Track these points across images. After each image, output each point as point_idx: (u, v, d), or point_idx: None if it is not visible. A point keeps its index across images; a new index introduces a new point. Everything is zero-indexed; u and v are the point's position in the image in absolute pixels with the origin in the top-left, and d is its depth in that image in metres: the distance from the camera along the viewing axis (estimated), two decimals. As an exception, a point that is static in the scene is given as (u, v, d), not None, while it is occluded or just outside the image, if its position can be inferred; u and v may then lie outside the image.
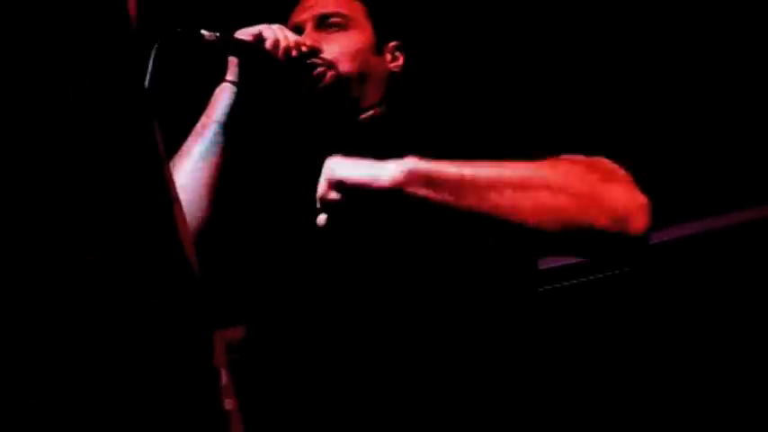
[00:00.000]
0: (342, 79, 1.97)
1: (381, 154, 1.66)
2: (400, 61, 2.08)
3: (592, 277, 2.86)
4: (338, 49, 2.00)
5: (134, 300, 0.93)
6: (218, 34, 1.81)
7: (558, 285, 2.89)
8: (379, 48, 2.08)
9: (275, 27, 1.92)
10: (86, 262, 0.91)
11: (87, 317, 0.92)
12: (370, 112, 2.01)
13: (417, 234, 1.75)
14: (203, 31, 1.79)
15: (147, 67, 1.43)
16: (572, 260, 2.92)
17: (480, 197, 1.53)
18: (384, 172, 1.54)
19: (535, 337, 1.83)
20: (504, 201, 1.53)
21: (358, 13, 2.09)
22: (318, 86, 1.95)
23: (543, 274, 2.83)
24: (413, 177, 1.52)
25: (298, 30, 2.03)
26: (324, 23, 2.05)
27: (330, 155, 1.87)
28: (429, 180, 1.53)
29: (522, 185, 1.55)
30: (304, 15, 2.06)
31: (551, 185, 1.55)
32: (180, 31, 1.73)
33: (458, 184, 1.54)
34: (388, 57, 2.09)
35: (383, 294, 1.71)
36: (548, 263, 2.90)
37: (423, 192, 1.52)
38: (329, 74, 1.96)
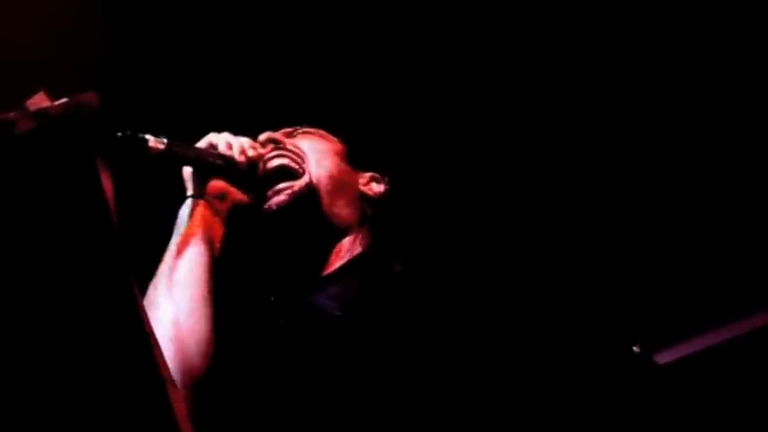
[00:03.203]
0: (311, 188, 1.85)
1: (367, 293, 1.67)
2: (377, 189, 1.98)
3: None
4: (306, 145, 1.93)
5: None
6: (165, 141, 1.67)
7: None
8: (352, 162, 1.99)
9: (224, 134, 1.82)
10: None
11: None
12: (348, 241, 1.90)
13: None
14: (148, 137, 1.65)
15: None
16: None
17: None
18: None
19: None
20: None
21: (328, 134, 2.02)
22: (279, 200, 1.83)
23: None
24: None
25: None
26: (291, 135, 1.98)
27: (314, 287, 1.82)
28: None
29: None
30: (270, 133, 1.98)
31: None
32: (122, 137, 1.62)
33: None
34: (364, 179, 1.99)
35: None
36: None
37: None
38: (292, 188, 1.85)
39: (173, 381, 1.02)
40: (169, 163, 1.72)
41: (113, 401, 0.97)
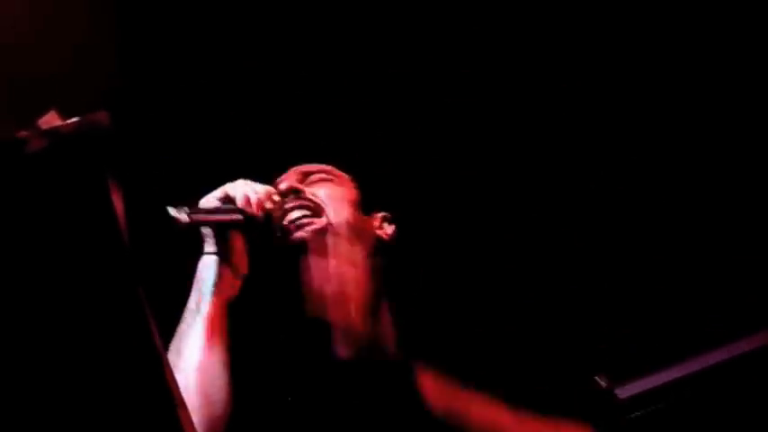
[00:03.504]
0: (330, 228, 1.84)
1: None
2: (389, 231, 1.96)
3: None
4: (324, 194, 1.90)
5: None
6: (186, 210, 1.66)
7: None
8: (366, 209, 1.97)
9: (239, 182, 1.78)
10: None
11: None
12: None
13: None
14: (171, 210, 1.63)
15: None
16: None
17: None
18: None
19: None
20: None
21: (343, 175, 1.99)
22: (294, 236, 1.81)
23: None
24: None
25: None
26: (308, 178, 1.93)
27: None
28: None
29: None
30: (286, 176, 1.95)
31: None
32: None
33: None
34: (377, 222, 1.97)
35: None
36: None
37: None
38: (313, 225, 1.84)
39: (183, 402, 1.00)
40: (192, 230, 1.71)
41: (124, 421, 0.96)
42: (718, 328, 2.71)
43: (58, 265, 0.96)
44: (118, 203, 1.00)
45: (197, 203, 1.76)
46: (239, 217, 1.73)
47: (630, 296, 2.74)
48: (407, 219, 2.03)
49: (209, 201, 1.77)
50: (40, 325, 0.93)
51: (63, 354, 0.94)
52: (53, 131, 0.99)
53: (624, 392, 2.67)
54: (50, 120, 1.00)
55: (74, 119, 1.01)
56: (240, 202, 1.75)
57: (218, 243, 1.75)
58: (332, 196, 1.90)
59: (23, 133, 0.99)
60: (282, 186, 1.88)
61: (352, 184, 1.99)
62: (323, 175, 1.96)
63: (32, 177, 0.98)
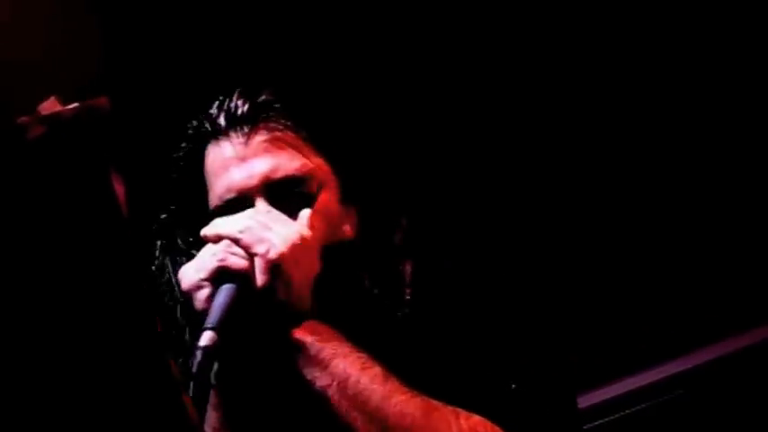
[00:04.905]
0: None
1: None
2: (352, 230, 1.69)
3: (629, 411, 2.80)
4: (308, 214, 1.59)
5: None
6: (208, 332, 1.38)
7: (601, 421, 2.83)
8: (345, 198, 1.66)
9: (212, 249, 1.46)
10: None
11: None
12: None
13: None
14: (199, 350, 1.36)
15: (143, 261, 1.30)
16: (610, 395, 2.88)
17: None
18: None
19: None
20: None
21: (312, 158, 1.61)
22: None
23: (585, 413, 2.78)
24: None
25: (242, 201, 1.55)
26: (280, 196, 1.55)
27: None
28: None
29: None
30: (249, 180, 1.56)
31: None
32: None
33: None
34: (351, 219, 1.68)
35: None
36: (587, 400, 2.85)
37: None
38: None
39: (185, 389, 1.00)
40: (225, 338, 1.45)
41: (129, 406, 0.96)
42: (677, 338, 2.72)
43: (58, 253, 0.96)
44: (119, 190, 1.00)
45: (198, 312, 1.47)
46: (237, 295, 1.44)
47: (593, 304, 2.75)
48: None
49: (200, 286, 1.47)
50: (38, 314, 0.93)
51: (61, 343, 0.94)
52: (53, 117, 0.99)
53: (585, 401, 2.69)
54: (50, 106, 1.00)
55: (74, 104, 1.00)
56: (237, 264, 1.44)
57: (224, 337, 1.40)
58: (318, 212, 1.59)
59: (23, 119, 0.98)
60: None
61: (328, 173, 1.65)
62: (300, 189, 1.59)
63: (32, 164, 0.97)
